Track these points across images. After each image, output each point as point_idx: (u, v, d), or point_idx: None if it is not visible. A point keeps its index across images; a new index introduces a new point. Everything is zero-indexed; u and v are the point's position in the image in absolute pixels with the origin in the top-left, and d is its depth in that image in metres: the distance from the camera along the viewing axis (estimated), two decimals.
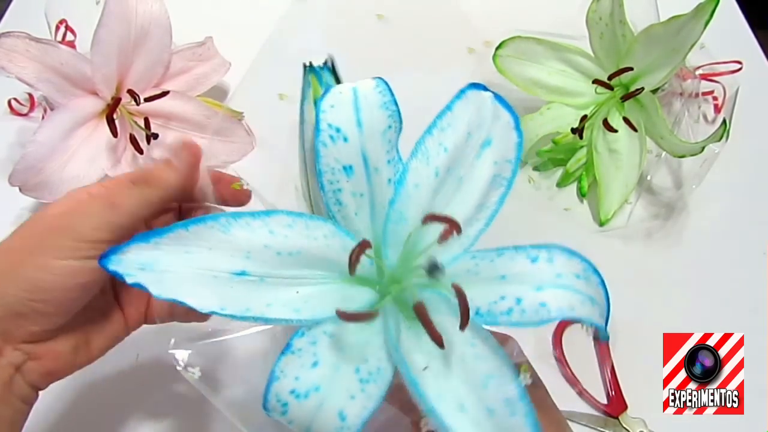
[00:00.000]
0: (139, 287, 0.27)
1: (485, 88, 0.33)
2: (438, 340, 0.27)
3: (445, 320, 0.29)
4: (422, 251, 0.31)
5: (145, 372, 0.46)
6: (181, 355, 0.33)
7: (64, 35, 0.55)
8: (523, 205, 0.57)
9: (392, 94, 0.33)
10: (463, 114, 0.32)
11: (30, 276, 0.28)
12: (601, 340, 0.28)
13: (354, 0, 0.44)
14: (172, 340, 0.33)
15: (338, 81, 0.43)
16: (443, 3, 0.38)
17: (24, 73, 0.47)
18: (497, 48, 0.58)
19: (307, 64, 0.47)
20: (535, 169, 0.59)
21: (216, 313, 0.28)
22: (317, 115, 0.33)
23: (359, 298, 0.31)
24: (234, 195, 0.34)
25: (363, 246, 0.30)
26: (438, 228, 0.30)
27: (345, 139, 0.32)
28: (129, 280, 0.27)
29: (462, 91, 0.33)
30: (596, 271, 0.29)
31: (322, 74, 0.38)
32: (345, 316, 0.28)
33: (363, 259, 0.30)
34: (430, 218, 0.30)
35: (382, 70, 0.35)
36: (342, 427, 0.28)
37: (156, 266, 0.27)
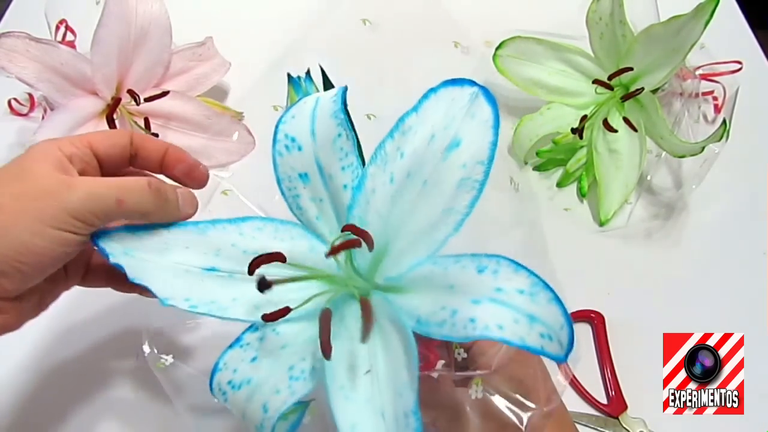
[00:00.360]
0: (117, 267, 0.30)
1: (471, 83, 0.31)
2: (326, 350, 0.28)
3: (388, 325, 0.29)
4: (385, 256, 0.31)
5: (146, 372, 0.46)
6: (153, 344, 0.36)
7: (64, 35, 0.55)
8: (523, 205, 0.57)
9: (344, 103, 0.33)
10: (430, 115, 0.31)
11: (23, 239, 0.29)
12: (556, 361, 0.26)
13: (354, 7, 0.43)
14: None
15: (327, 89, 0.43)
16: (429, 4, 0.38)
17: (24, 73, 0.48)
18: (497, 48, 0.58)
19: (294, 75, 0.47)
20: (535, 169, 0.59)
21: (176, 306, 0.30)
22: (276, 126, 0.34)
23: (320, 295, 0.32)
24: (191, 176, 0.35)
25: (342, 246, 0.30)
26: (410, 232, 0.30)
27: (299, 148, 0.33)
28: (112, 259, 0.31)
29: (432, 90, 0.31)
30: (547, 287, 0.27)
31: (302, 84, 0.38)
32: (266, 318, 0.30)
33: (338, 260, 0.31)
34: (346, 228, 0.31)
35: (376, 76, 0.35)
36: (264, 418, 0.30)
37: (137, 253, 0.31)
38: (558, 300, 0.26)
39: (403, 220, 0.31)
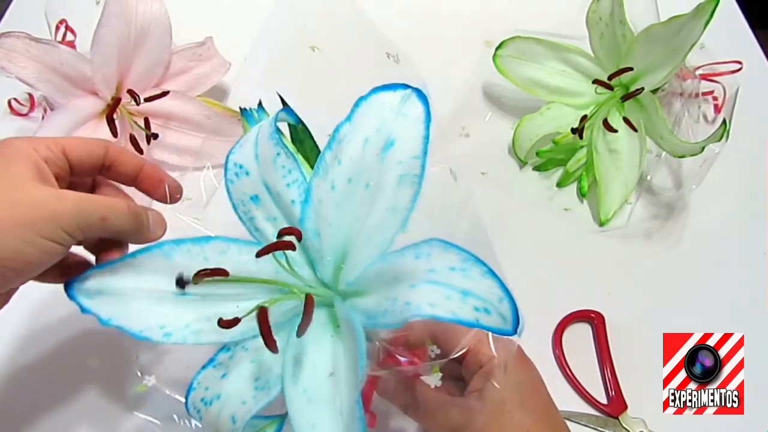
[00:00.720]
0: (90, 313, 0.32)
1: (404, 86, 0.32)
2: (270, 344, 0.29)
3: (346, 328, 0.30)
4: (344, 262, 0.32)
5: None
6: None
7: (64, 35, 0.55)
8: (523, 206, 0.57)
9: (276, 124, 0.35)
10: (362, 120, 0.32)
11: (14, 246, 0.29)
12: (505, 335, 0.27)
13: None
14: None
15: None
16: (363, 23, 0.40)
17: (24, 73, 0.48)
18: (497, 48, 0.58)
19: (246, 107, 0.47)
20: (535, 169, 0.59)
21: (150, 338, 0.32)
22: (227, 157, 0.36)
23: (288, 310, 0.33)
24: (162, 193, 0.37)
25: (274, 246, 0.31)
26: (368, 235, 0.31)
27: (247, 173, 0.35)
28: (85, 305, 0.32)
29: (362, 98, 0.32)
30: (479, 261, 0.28)
31: (255, 116, 0.39)
32: (222, 324, 0.30)
33: (307, 271, 0.33)
34: (280, 232, 0.32)
35: (329, 95, 0.37)
36: (234, 429, 0.31)
37: (111, 290, 0.32)
38: (492, 273, 0.27)
39: (352, 225, 0.32)
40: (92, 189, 0.37)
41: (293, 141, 0.37)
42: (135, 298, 0.32)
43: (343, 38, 0.42)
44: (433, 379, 0.33)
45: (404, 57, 0.41)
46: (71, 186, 0.35)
